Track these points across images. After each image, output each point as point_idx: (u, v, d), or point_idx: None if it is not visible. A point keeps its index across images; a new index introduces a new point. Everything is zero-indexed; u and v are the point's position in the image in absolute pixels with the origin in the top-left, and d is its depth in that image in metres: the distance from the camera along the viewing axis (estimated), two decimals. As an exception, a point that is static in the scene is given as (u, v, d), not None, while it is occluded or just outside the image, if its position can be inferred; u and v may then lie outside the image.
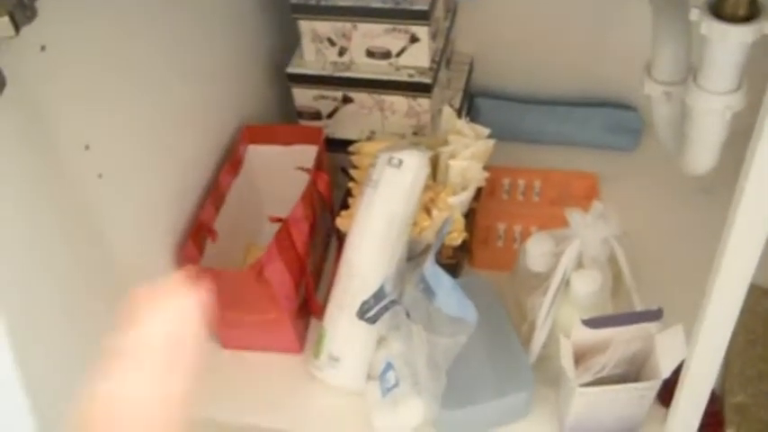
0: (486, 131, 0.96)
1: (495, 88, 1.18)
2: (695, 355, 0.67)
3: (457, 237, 0.91)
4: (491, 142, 0.95)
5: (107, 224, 0.74)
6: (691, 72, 0.79)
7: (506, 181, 1.08)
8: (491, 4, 1.10)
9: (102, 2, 0.71)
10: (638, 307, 0.81)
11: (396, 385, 0.83)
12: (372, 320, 0.80)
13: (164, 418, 0.29)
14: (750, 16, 0.71)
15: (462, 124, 0.96)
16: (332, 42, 0.98)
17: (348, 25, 0.96)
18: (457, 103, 1.08)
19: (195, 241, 0.86)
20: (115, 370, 0.30)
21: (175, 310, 0.32)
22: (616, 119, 1.13)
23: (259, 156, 0.99)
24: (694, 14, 0.74)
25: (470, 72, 1.15)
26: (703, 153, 0.83)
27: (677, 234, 1.00)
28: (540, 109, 1.15)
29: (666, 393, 0.77)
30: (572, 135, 1.14)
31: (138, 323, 0.32)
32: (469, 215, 0.97)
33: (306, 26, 0.98)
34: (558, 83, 1.16)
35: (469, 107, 1.17)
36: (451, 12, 1.07)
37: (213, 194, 0.91)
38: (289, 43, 1.03)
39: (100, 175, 0.72)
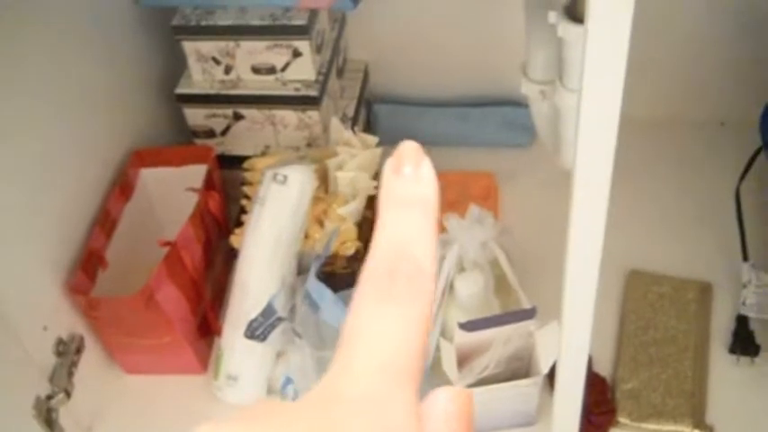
0: (375, 140, 0.98)
1: (392, 93, 1.19)
2: (563, 344, 0.69)
3: (350, 246, 0.92)
4: (378, 151, 0.96)
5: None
6: (557, 71, 0.81)
7: (404, 186, 1.09)
8: (381, 11, 1.11)
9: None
10: (525, 304, 0.83)
11: (295, 399, 0.84)
12: (261, 338, 0.81)
13: None
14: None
15: (350, 135, 0.97)
16: (217, 61, 0.98)
17: (231, 44, 0.96)
18: (351, 112, 1.09)
19: (86, 271, 0.86)
20: None
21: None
22: (510, 116, 1.15)
23: (152, 179, 0.99)
24: (552, 17, 0.76)
25: (365, 79, 1.16)
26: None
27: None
28: (437, 111, 1.17)
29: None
30: (470, 135, 1.16)
31: None
32: (364, 224, 0.98)
33: (189, 47, 0.98)
34: (452, 85, 1.18)
35: (368, 114, 1.18)
36: (339, 21, 1.08)
37: (103, 222, 0.91)
38: (177, 64, 1.03)
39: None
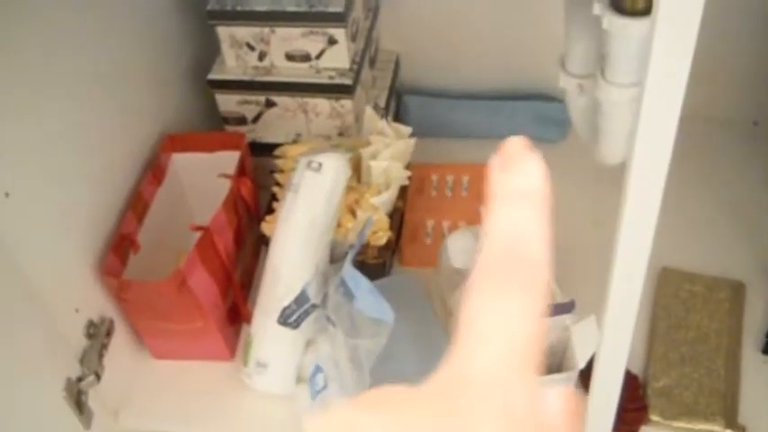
0: (408, 131, 0.97)
1: (422, 85, 1.19)
2: (604, 341, 0.68)
3: (382, 236, 0.92)
4: (411, 141, 0.95)
5: (18, 242, 0.73)
6: (599, 64, 0.80)
7: (435, 177, 1.09)
8: (415, 2, 1.11)
9: (18, 11, 0.70)
10: (559, 298, 0.82)
11: (324, 388, 0.84)
12: (294, 326, 0.81)
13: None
14: (649, 9, 0.73)
15: (384, 124, 0.97)
16: (251, 47, 0.98)
17: (266, 30, 0.96)
18: (383, 102, 1.08)
19: (117, 254, 0.86)
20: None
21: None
22: (543, 111, 1.15)
23: (183, 164, 0.98)
24: (597, 9, 0.75)
25: (396, 70, 1.15)
26: (615, 144, 0.84)
27: (602, 222, 1.01)
28: (468, 104, 1.16)
29: (588, 380, 0.78)
30: (501, 129, 1.15)
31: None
32: (396, 214, 0.97)
33: (224, 32, 0.97)
34: (484, 77, 1.17)
35: (398, 105, 1.17)
36: (373, 11, 1.08)
37: (135, 205, 0.91)
38: (211, 50, 1.03)
39: (6, 194, 0.71)
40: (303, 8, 0.93)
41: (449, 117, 1.16)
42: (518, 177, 0.27)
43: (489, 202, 0.27)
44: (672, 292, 0.94)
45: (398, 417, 0.23)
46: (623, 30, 0.73)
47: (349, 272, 0.78)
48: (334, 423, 0.24)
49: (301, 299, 0.81)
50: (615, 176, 0.95)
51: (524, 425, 0.23)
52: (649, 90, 0.52)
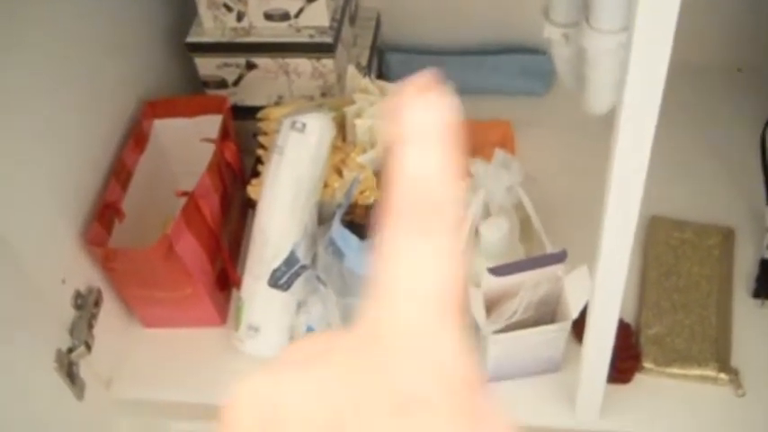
0: (393, 87, 0.96)
1: (404, 42, 1.17)
2: (596, 291, 0.68)
3: (370, 195, 0.91)
4: (396, 98, 0.94)
5: (2, 216, 0.72)
6: (584, 12, 0.79)
7: (420, 135, 1.07)
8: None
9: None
10: (549, 249, 0.82)
11: (318, 349, 0.83)
12: (285, 288, 0.80)
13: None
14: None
15: (367, 82, 0.95)
16: (228, 8, 0.96)
17: (243, -11, 0.94)
18: (365, 61, 1.07)
19: (102, 223, 0.85)
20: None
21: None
22: (527, 63, 1.13)
23: (165, 130, 0.97)
24: (579, -46, 0.74)
25: (378, 27, 1.13)
26: (602, 93, 0.83)
27: (590, 172, 1.00)
28: (451, 59, 1.15)
29: (581, 330, 0.78)
30: (485, 83, 1.14)
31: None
32: (383, 172, 0.96)
33: (200, -8, 0.95)
34: (466, 32, 1.16)
35: (380, 63, 1.16)
36: (352, -33, 1.06)
37: (119, 173, 0.89)
38: (188, 12, 1.01)
39: (-15, 165, 0.70)
40: (280, -35, 0.91)
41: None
42: (422, 116, 0.25)
43: (395, 143, 0.25)
44: (662, 241, 0.94)
45: (320, 374, 0.22)
46: (607, -26, 0.72)
47: (338, 231, 0.77)
48: (255, 391, 0.23)
49: (291, 260, 0.80)
50: (602, 127, 0.95)
51: (447, 372, 0.22)
52: (638, 36, 0.51)
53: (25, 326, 0.75)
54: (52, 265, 0.80)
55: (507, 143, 1.05)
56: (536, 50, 1.14)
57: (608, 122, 0.92)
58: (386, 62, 1.15)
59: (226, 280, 0.93)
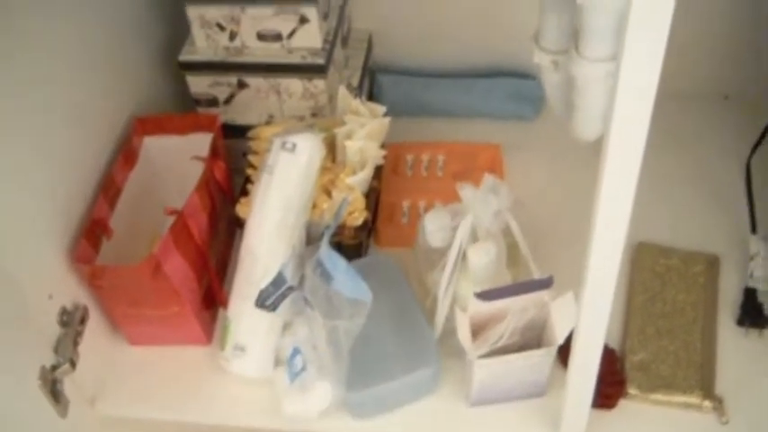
0: (382, 109, 0.96)
1: (396, 64, 1.18)
2: (582, 316, 0.68)
3: (358, 216, 0.91)
4: (386, 120, 0.95)
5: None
6: (573, 40, 0.80)
7: (410, 157, 1.08)
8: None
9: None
10: (536, 274, 0.82)
11: (303, 370, 0.83)
12: (271, 308, 0.80)
13: None
14: (622, -18, 0.72)
15: (357, 104, 0.96)
16: (221, 27, 0.96)
17: (236, 9, 0.94)
18: (356, 82, 1.07)
19: (89, 239, 0.85)
20: None
21: None
22: (517, 88, 1.14)
23: (155, 147, 0.97)
24: (570, -17, 0.75)
25: (369, 49, 1.14)
26: (591, 120, 0.84)
27: (578, 198, 1.01)
28: (442, 82, 1.16)
29: (567, 355, 0.78)
30: (475, 107, 1.15)
31: None
32: (372, 194, 0.96)
33: (193, 12, 0.96)
34: (458, 55, 1.17)
35: (371, 84, 1.16)
36: (344, -11, 1.07)
37: (107, 190, 0.89)
38: (181, 31, 1.01)
39: (-27, 181, 0.70)
40: (274, -14, 0.92)
41: (423, 95, 1.15)
42: None
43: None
44: (648, 267, 0.95)
45: None
46: (596, 3, 0.73)
47: (326, 252, 0.78)
48: None
49: (278, 281, 0.80)
50: (591, 152, 0.96)
51: None
52: (626, 64, 0.52)
53: (9, 341, 0.74)
54: (39, 281, 0.79)
55: (496, 166, 1.06)
56: (526, 75, 1.15)
57: (597, 148, 0.93)
58: (377, 83, 1.16)
59: (212, 299, 0.93)
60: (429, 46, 1.16)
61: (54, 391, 0.78)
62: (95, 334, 0.87)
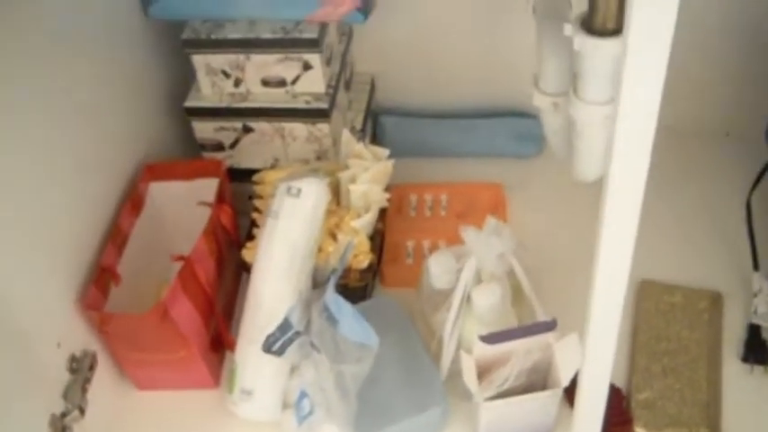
0: (386, 153, 0.98)
1: (398, 105, 1.20)
2: (587, 357, 0.69)
3: (363, 259, 0.92)
4: (389, 163, 0.96)
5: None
6: (572, 83, 0.81)
7: (413, 197, 1.09)
8: (387, 24, 1.11)
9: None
10: (540, 315, 0.83)
11: (311, 413, 0.84)
12: (278, 353, 0.81)
13: None
14: (619, 29, 0.74)
15: (361, 148, 0.97)
16: (226, 74, 0.98)
17: (241, 57, 0.96)
18: (359, 124, 1.09)
19: (98, 286, 0.86)
20: None
21: None
22: (519, 127, 1.16)
23: (162, 193, 0.98)
24: (567, 30, 0.76)
25: (372, 91, 1.16)
26: (591, 161, 0.85)
27: (581, 236, 1.02)
28: (444, 123, 1.17)
29: (573, 395, 0.79)
30: (477, 146, 1.16)
31: None
32: (376, 236, 0.98)
33: (199, 60, 0.98)
34: (459, 96, 1.18)
35: (374, 126, 1.18)
36: (347, 35, 1.08)
37: (115, 237, 0.90)
38: (185, 77, 1.03)
39: (-16, 232, 0.71)
40: (278, 35, 0.93)
41: (425, 136, 1.17)
42: None
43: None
44: (651, 305, 0.95)
45: None
46: (594, 50, 0.74)
47: (331, 297, 0.78)
48: None
49: (285, 326, 0.81)
50: (593, 190, 0.97)
51: None
52: (624, 107, 0.53)
53: (20, 391, 0.75)
54: (48, 329, 0.80)
55: (499, 205, 1.07)
56: (527, 114, 1.16)
57: (599, 186, 0.94)
58: (380, 125, 1.18)
59: (219, 343, 0.93)
60: (430, 87, 1.18)
61: (63, 439, 0.79)
62: (104, 379, 0.88)
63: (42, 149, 0.80)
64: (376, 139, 1.17)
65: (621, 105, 0.51)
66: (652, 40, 0.47)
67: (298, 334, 0.81)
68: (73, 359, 0.83)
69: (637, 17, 0.45)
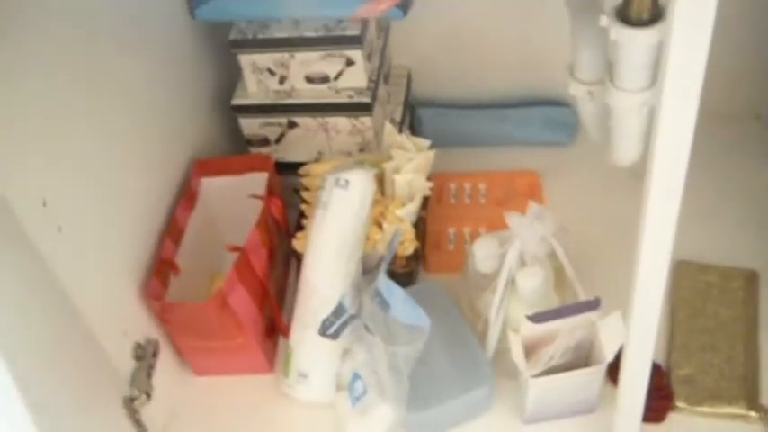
0: (427, 143, 1.01)
1: (435, 97, 1.23)
2: (631, 335, 0.72)
3: (408, 246, 0.96)
4: (431, 153, 1.00)
5: (71, 274, 0.77)
6: (608, 72, 0.84)
7: (453, 186, 1.13)
8: (422, 18, 1.15)
9: (45, 50, 0.75)
10: (581, 296, 0.86)
11: (364, 394, 0.88)
12: (334, 336, 0.85)
13: None
14: (654, 19, 0.77)
15: (403, 139, 1.01)
16: (272, 72, 1.02)
17: (286, 55, 1.00)
18: (398, 116, 1.13)
19: (159, 278, 0.90)
20: None
21: None
22: (552, 115, 1.19)
23: (213, 188, 1.03)
24: (603, 21, 0.79)
25: (409, 84, 1.19)
26: (628, 146, 0.88)
27: (616, 220, 1.05)
28: (479, 113, 1.20)
29: (615, 372, 0.82)
30: (512, 135, 1.19)
31: None
32: (419, 224, 1.01)
33: (245, 60, 1.02)
34: (494, 86, 1.22)
35: (412, 118, 1.22)
36: (384, 30, 1.12)
37: (172, 230, 0.95)
38: (232, 76, 1.07)
39: (59, 229, 0.75)
40: (321, 33, 0.97)
41: (461, 126, 1.20)
42: None
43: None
44: (688, 284, 0.98)
45: None
46: (631, 40, 0.77)
47: (384, 282, 0.82)
48: None
49: (339, 311, 0.85)
50: (625, 175, 1.00)
51: None
52: (667, 93, 0.56)
53: (95, 376, 0.80)
54: (114, 319, 0.85)
55: (535, 192, 1.10)
56: (561, 103, 1.19)
57: (631, 171, 0.96)
58: (417, 117, 1.21)
59: (273, 329, 0.98)
60: (465, 78, 1.21)
61: (137, 421, 0.83)
62: (165, 366, 0.93)
63: (102, 154, 0.85)
64: (413, 131, 1.20)
65: (665, 91, 0.55)
66: (695, 27, 0.50)
67: (352, 318, 0.85)
68: (138, 347, 0.88)
69: (680, 5, 0.49)
